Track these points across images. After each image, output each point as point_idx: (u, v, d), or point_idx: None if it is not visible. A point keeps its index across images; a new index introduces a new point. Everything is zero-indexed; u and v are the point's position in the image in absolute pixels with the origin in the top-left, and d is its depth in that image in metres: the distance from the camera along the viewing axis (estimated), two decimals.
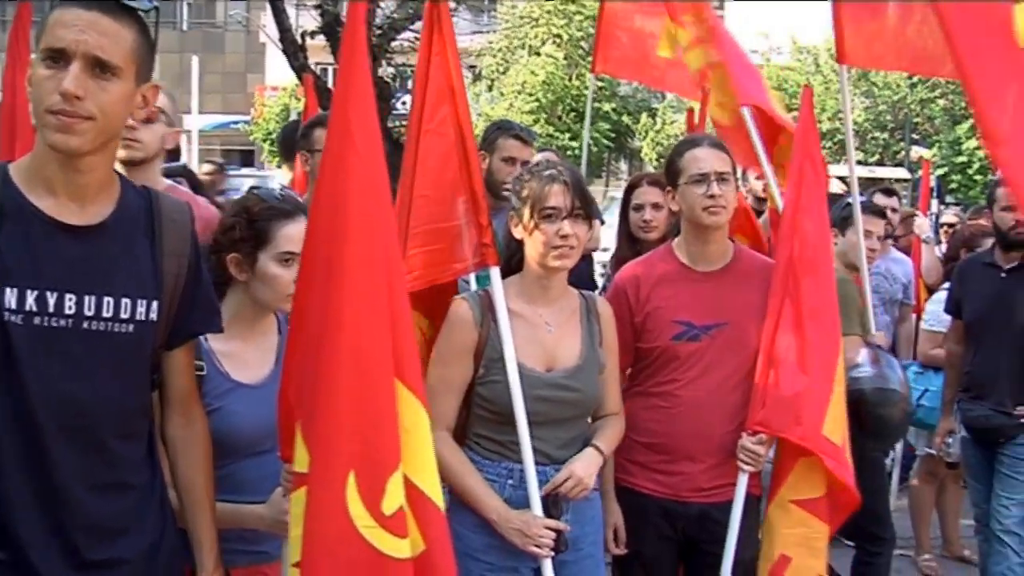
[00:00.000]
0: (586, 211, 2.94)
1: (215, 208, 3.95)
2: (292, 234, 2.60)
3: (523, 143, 4.67)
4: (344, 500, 2.13)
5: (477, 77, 32.73)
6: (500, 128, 4.85)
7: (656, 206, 4.35)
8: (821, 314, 3.32)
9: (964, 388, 5.03)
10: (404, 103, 10.83)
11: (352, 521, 2.14)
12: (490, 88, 33.21)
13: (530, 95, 31.79)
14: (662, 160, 7.26)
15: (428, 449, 2.31)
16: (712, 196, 3.23)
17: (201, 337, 2.56)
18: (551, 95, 31.40)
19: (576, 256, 2.96)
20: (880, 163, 35.25)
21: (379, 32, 10.20)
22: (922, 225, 6.92)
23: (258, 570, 2.64)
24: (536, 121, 31.36)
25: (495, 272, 2.94)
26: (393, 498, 2.17)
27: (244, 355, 2.65)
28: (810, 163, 3.42)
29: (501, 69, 33.72)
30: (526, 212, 2.92)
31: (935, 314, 5.66)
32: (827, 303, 3.35)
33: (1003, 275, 4.85)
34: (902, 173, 36.59)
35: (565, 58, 31.47)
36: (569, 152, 27.43)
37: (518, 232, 2.97)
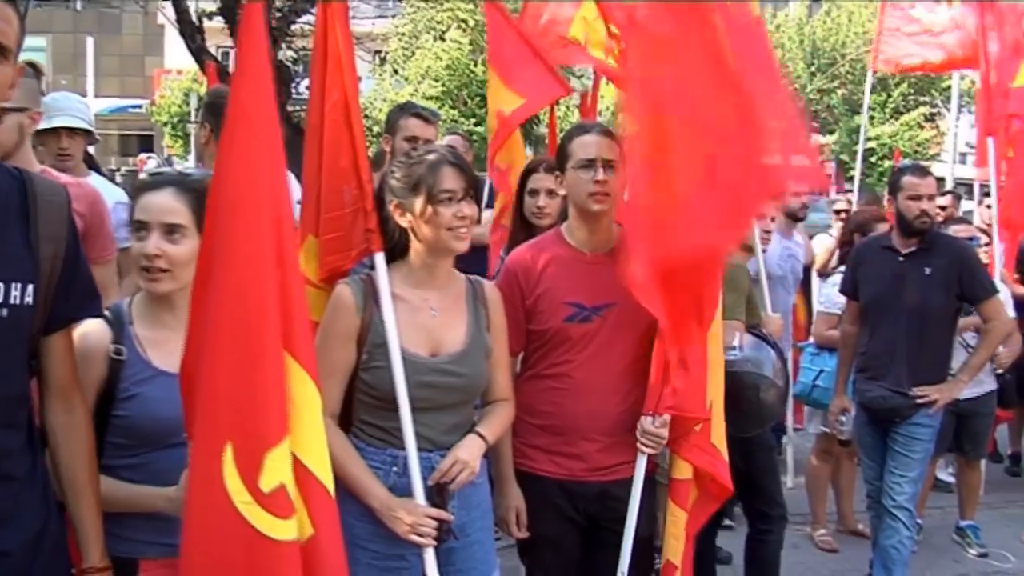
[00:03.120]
0: (474, 192, 2.93)
1: (93, 187, 3.87)
2: (144, 203, 2.56)
3: (424, 122, 4.65)
4: (221, 473, 2.06)
5: (382, 61, 32.48)
6: (402, 109, 4.83)
7: (551, 192, 4.35)
8: (711, 293, 3.38)
9: (860, 369, 5.16)
10: (307, 87, 10.70)
11: (229, 496, 2.06)
12: (395, 73, 32.96)
13: (435, 80, 31.64)
14: None
15: (319, 429, 2.23)
16: (598, 182, 3.24)
17: (126, 322, 2.54)
18: (456, 80, 31.29)
19: (470, 236, 2.95)
20: None
21: (279, 15, 10.06)
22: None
23: (169, 562, 2.54)
24: (441, 106, 31.22)
25: (379, 257, 2.90)
26: (272, 475, 2.08)
27: (168, 342, 2.57)
28: None
29: (406, 54, 33.49)
30: (418, 199, 2.87)
31: (830, 296, 5.80)
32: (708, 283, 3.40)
33: (901, 259, 4.97)
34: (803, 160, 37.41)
35: (470, 43, 31.35)
36: (475, 137, 27.41)
37: (404, 220, 2.92)
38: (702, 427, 3.43)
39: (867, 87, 10.57)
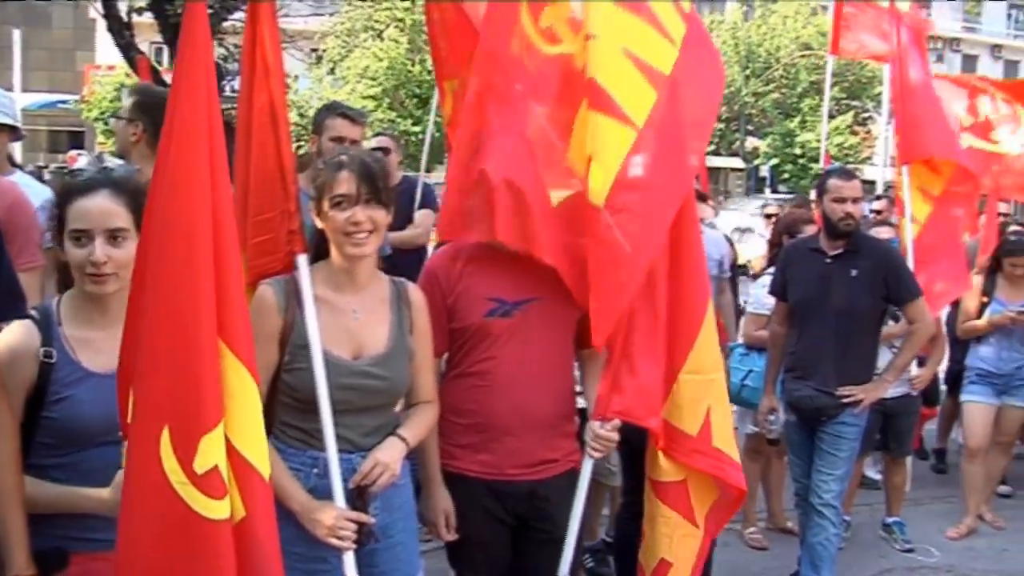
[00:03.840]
0: (378, 197, 2.89)
1: (15, 187, 3.79)
2: (81, 210, 2.52)
3: (351, 122, 4.63)
4: (159, 454, 2.15)
5: (319, 60, 32.25)
6: (328, 109, 4.81)
7: None
8: (679, 305, 3.43)
9: (788, 368, 5.23)
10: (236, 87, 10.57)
11: (167, 475, 2.15)
12: (332, 72, 32.76)
13: (373, 80, 31.51)
14: None
15: (255, 417, 2.30)
16: None
17: (55, 323, 2.51)
18: (394, 80, 31.19)
19: (374, 242, 2.93)
20: (716, 153, 36.34)
21: (210, 12, 9.94)
22: (704, 210, 7.20)
23: (98, 556, 2.49)
24: (379, 106, 31.12)
25: (302, 259, 2.88)
26: (206, 457, 2.17)
27: (98, 343, 2.55)
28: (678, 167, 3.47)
29: (343, 53, 33.31)
30: (321, 202, 2.89)
31: (759, 297, 5.87)
32: (686, 294, 3.45)
33: (828, 261, 5.05)
34: (737, 163, 37.95)
35: (408, 43, 31.28)
36: (412, 138, 27.32)
37: (319, 221, 2.93)
38: (701, 431, 3.45)
39: (827, 83, 10.63)
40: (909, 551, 6.19)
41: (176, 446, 2.15)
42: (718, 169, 37.33)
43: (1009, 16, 54.81)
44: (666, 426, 3.45)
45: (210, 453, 2.18)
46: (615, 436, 3.30)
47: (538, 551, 3.40)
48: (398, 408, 3.15)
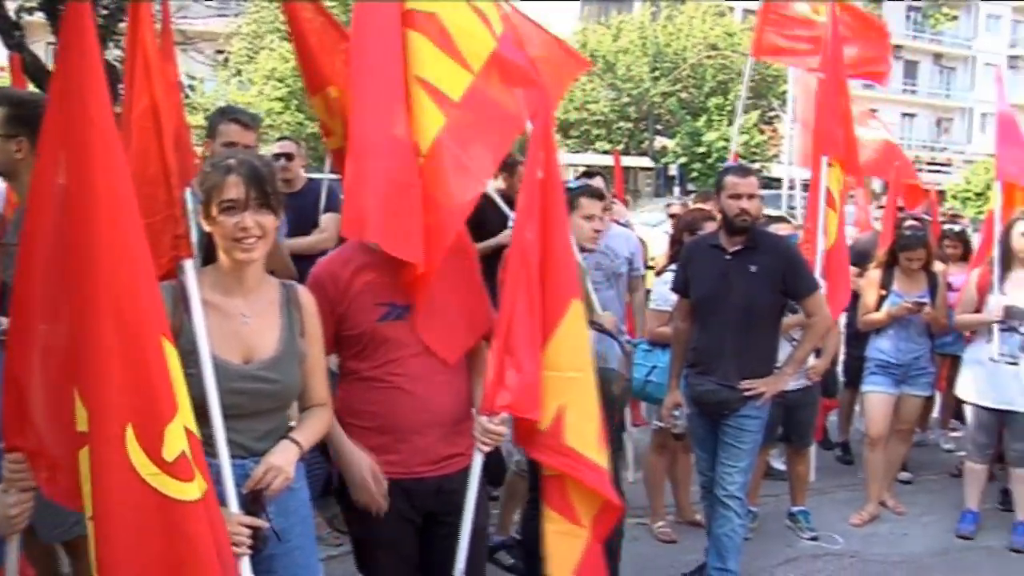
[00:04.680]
0: (267, 201, 2.88)
1: None
2: None
3: (243, 127, 4.58)
4: (125, 452, 2.31)
5: (226, 62, 31.80)
6: (221, 113, 4.75)
7: None
8: (552, 299, 3.47)
9: (691, 363, 5.30)
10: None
11: (136, 471, 2.32)
12: (238, 74, 32.32)
13: (280, 82, 31.17)
14: None
15: None
16: None
17: None
18: (302, 82, 30.87)
19: (263, 247, 2.91)
20: (626, 152, 36.62)
21: (106, 12, 9.69)
22: (620, 211, 7.31)
23: None
24: (286, 109, 30.79)
25: (188, 264, 2.85)
26: (173, 445, 2.37)
27: None
28: (545, 156, 3.50)
29: (250, 54, 32.89)
30: (209, 207, 2.85)
31: (662, 294, 5.94)
32: (548, 291, 3.48)
33: (727, 257, 5.13)
34: (646, 162, 38.32)
35: None
36: (321, 141, 27.02)
37: (206, 225, 2.89)
38: (551, 427, 3.46)
39: (744, 85, 10.79)
40: (814, 539, 6.33)
41: (142, 440, 2.32)
42: (628, 168, 37.68)
43: (908, 17, 56.29)
44: (521, 419, 3.48)
45: (175, 440, 2.38)
46: (503, 430, 3.33)
47: (446, 544, 3.40)
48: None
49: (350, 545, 3.60)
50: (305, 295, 3.13)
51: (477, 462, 3.37)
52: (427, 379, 3.33)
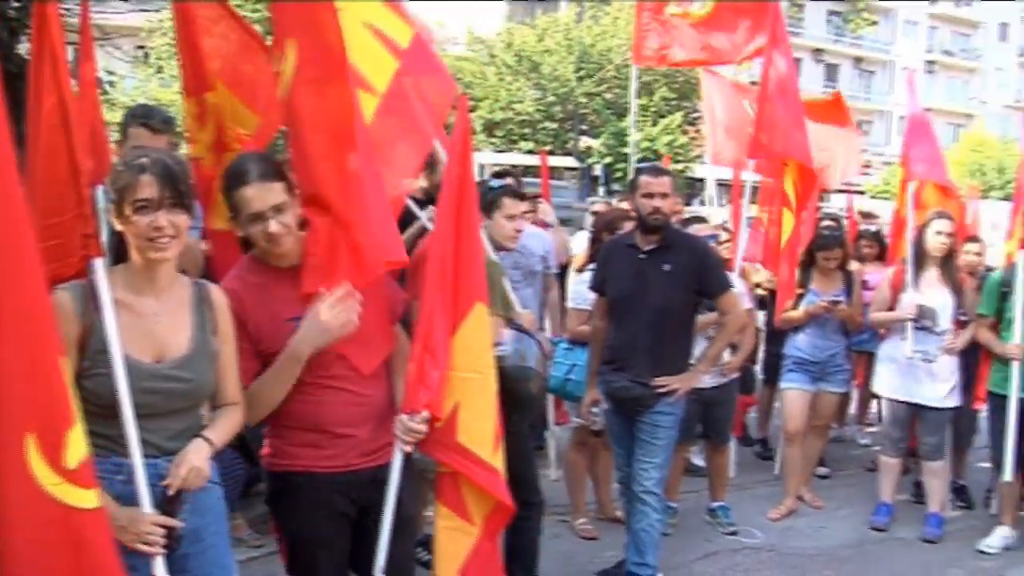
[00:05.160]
0: (181, 201, 2.84)
1: None
2: None
3: (153, 132, 4.48)
4: (27, 463, 2.31)
5: (146, 58, 31.23)
6: (132, 116, 4.65)
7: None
8: (458, 301, 3.48)
9: (607, 361, 5.34)
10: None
11: (37, 482, 2.32)
12: (160, 71, 31.77)
13: None
14: None
15: None
16: (270, 234, 3.17)
17: None
18: None
19: (176, 246, 2.87)
20: (551, 152, 36.71)
21: (18, 5, 9.43)
22: (545, 210, 7.35)
23: None
24: None
25: (98, 263, 2.81)
26: (75, 451, 2.38)
27: None
28: (459, 157, 3.52)
29: (172, 51, 32.35)
30: (121, 205, 2.81)
31: (580, 292, 5.98)
32: (457, 295, 3.50)
33: (642, 256, 5.18)
34: (571, 162, 38.48)
35: None
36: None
37: (118, 224, 2.85)
38: (445, 425, 3.48)
39: (632, 89, 10.90)
40: (733, 534, 6.43)
41: (43, 449, 2.32)
42: (553, 168, 37.80)
43: (829, 21, 57.39)
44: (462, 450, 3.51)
45: (77, 446, 2.39)
46: (424, 428, 3.33)
47: (378, 531, 3.39)
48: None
49: (272, 546, 3.56)
50: (217, 293, 3.11)
51: (397, 459, 3.36)
52: (352, 381, 3.33)
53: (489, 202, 4.75)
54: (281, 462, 3.35)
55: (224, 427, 3.07)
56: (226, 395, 3.12)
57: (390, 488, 3.35)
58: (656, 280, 5.10)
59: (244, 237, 3.25)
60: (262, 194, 3.13)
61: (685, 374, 5.17)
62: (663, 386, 5.07)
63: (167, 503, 2.81)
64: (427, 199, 5.38)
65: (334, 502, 3.35)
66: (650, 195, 5.09)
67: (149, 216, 2.78)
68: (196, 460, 2.88)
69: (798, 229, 7.29)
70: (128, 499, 2.78)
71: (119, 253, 2.92)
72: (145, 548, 2.74)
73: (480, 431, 3.56)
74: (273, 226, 3.14)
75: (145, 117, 4.58)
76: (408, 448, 3.36)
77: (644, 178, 5.14)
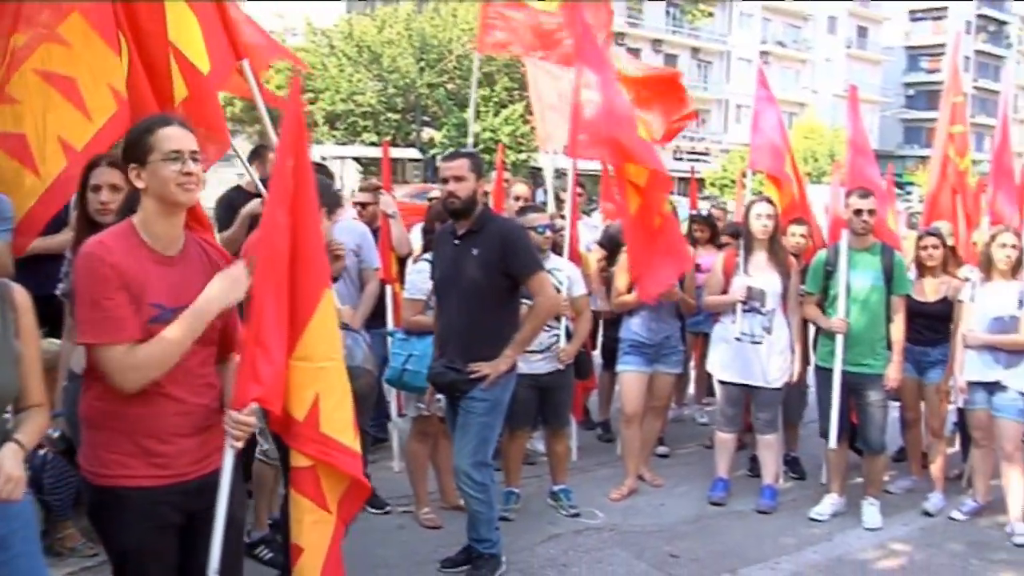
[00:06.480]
0: None
1: None
2: None
3: None
4: None
5: None
6: None
7: (114, 187, 4.21)
8: (293, 292, 3.44)
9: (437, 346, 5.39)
10: None
11: None
12: None
13: None
14: None
15: None
16: (187, 174, 3.15)
17: None
18: None
19: None
20: (394, 143, 36.52)
21: None
22: (387, 202, 7.32)
23: None
24: None
25: None
26: None
27: None
28: (294, 151, 3.48)
29: None
30: None
31: (415, 283, 5.99)
32: (300, 282, 3.47)
33: (456, 242, 5.23)
34: (414, 153, 38.41)
35: None
36: None
37: None
38: (308, 417, 3.46)
39: (473, 79, 10.89)
40: (575, 515, 6.52)
41: None
42: (396, 160, 37.68)
43: (668, 13, 58.81)
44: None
45: None
46: (253, 420, 3.27)
47: (208, 542, 3.30)
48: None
49: (105, 555, 3.43)
50: (20, 294, 3.02)
51: (229, 456, 3.29)
52: (190, 382, 3.22)
53: (331, 202, 4.73)
54: (104, 473, 3.18)
55: (32, 429, 3.00)
56: (30, 397, 3.03)
57: (222, 488, 3.28)
58: (466, 264, 5.14)
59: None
60: (185, 137, 3.17)
61: (496, 360, 5.15)
62: (476, 371, 5.10)
63: None
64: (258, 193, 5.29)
65: (163, 514, 3.23)
66: (444, 180, 5.15)
67: None
68: (12, 469, 2.78)
69: (645, 215, 7.41)
70: None
71: None
72: None
73: (341, 418, 3.58)
74: (191, 165, 3.12)
75: None
76: (239, 444, 3.29)
77: (440, 163, 5.18)
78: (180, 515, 3.29)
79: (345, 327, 4.47)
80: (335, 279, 4.58)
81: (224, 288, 3.15)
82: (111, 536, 3.29)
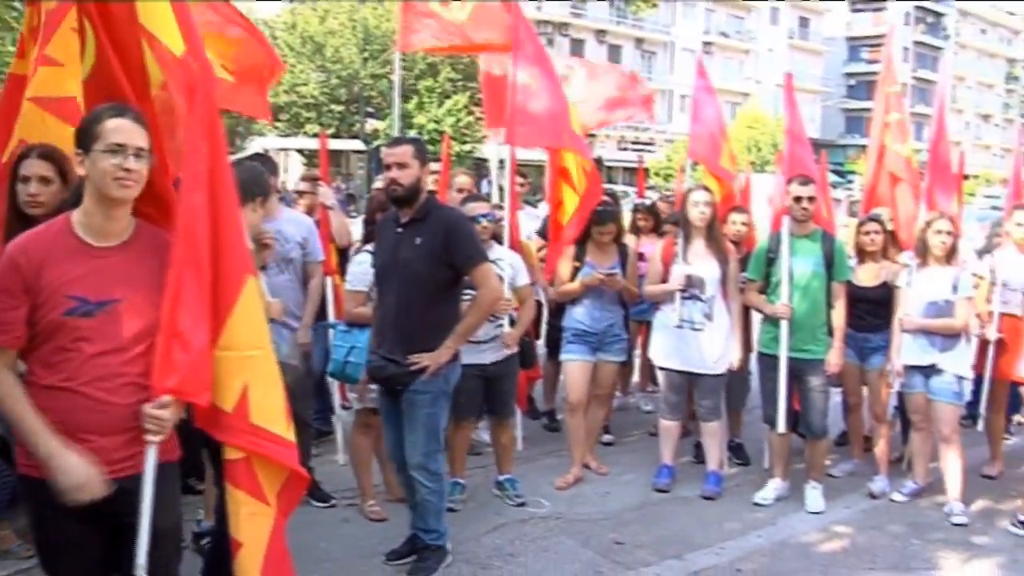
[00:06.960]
0: None
1: None
2: None
3: None
4: None
5: None
6: None
7: (44, 179, 4.13)
8: (215, 281, 3.38)
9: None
10: None
11: None
12: None
13: None
14: None
15: None
16: (126, 169, 3.12)
17: None
18: None
19: None
20: (337, 135, 36.28)
21: None
22: (325, 193, 7.29)
23: None
24: None
25: None
26: None
27: None
28: (207, 136, 3.41)
29: None
30: None
31: (356, 274, 5.92)
32: (221, 270, 3.40)
33: (399, 230, 5.15)
34: (358, 144, 38.20)
35: None
36: None
37: None
38: (237, 408, 3.40)
39: (396, 75, 10.83)
40: (521, 505, 6.52)
41: None
42: (339, 152, 37.46)
43: (612, 3, 58.88)
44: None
45: None
46: (166, 414, 3.20)
47: (133, 546, 3.24)
48: None
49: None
50: None
51: (151, 454, 3.22)
52: (109, 380, 3.16)
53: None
54: (23, 462, 3.19)
55: None
56: None
57: (145, 488, 3.20)
58: (407, 253, 5.06)
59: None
60: (133, 131, 3.15)
61: (435, 351, 5.06)
62: (415, 364, 5.01)
63: None
64: None
65: (79, 507, 3.15)
66: (387, 167, 5.07)
67: None
68: None
69: (582, 208, 7.48)
70: None
71: None
72: None
73: (271, 407, 3.51)
74: (132, 162, 3.11)
75: None
76: (157, 439, 3.21)
77: (383, 150, 5.11)
78: (99, 513, 3.22)
79: (271, 320, 4.41)
80: (263, 268, 4.52)
81: (65, 470, 3.08)
82: (32, 525, 3.31)
